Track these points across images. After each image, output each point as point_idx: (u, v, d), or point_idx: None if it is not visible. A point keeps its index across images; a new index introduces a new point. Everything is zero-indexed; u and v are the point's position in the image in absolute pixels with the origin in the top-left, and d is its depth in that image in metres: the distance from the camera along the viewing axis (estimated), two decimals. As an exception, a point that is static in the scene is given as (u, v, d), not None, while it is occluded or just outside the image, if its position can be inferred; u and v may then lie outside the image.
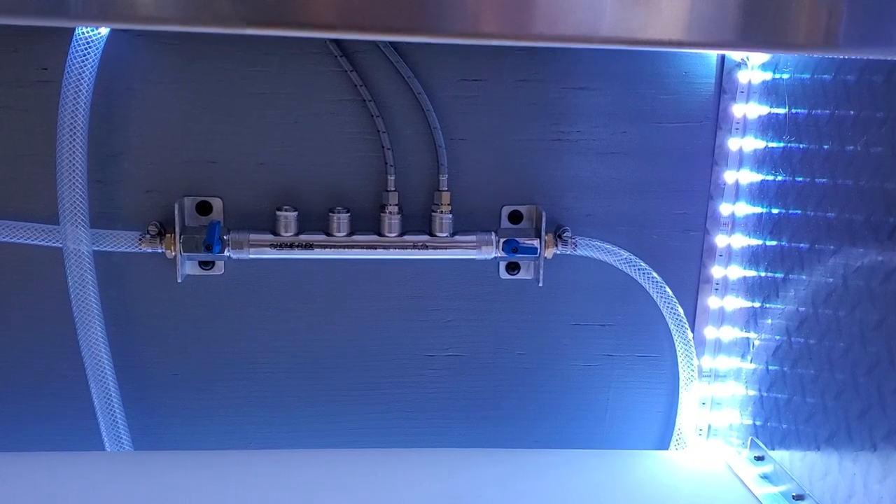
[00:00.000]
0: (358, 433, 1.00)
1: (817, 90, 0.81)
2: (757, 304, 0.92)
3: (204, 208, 0.91)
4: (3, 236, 0.88)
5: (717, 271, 0.98)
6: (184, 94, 0.89)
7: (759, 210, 0.92)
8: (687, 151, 0.95)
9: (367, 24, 0.49)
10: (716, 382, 1.00)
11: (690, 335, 0.98)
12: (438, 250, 0.91)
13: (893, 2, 0.51)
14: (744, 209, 0.95)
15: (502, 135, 0.92)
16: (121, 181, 0.90)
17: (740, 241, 0.96)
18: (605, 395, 1.01)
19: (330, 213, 0.90)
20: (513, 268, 0.97)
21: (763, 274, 0.91)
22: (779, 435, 0.87)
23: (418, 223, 0.92)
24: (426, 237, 0.91)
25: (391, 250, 0.91)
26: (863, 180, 0.73)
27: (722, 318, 0.99)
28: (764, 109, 0.91)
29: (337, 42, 0.87)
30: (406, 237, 0.91)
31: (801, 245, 0.83)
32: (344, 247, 0.90)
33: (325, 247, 0.90)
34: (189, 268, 0.93)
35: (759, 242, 0.92)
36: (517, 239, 0.92)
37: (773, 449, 0.88)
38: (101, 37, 0.82)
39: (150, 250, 0.89)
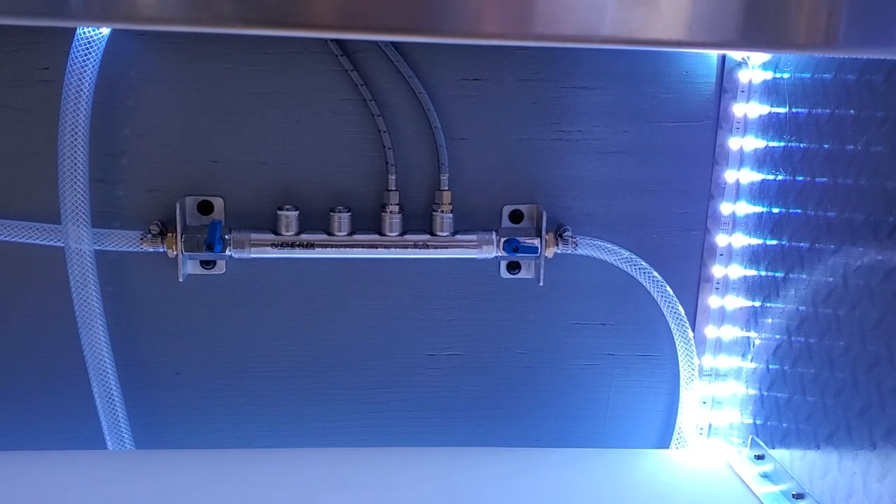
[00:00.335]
0: (359, 432, 1.00)
1: (818, 89, 0.81)
2: (757, 304, 0.92)
3: (205, 207, 0.92)
4: (5, 236, 0.89)
5: (717, 270, 0.98)
6: (185, 94, 0.89)
7: (759, 209, 0.92)
8: (688, 151, 0.95)
9: (368, 25, 0.49)
10: (716, 381, 1.00)
11: (691, 334, 0.98)
12: (439, 249, 0.92)
13: (893, 2, 0.51)
14: (744, 208, 0.95)
15: (503, 134, 0.93)
16: (122, 181, 0.90)
17: (741, 240, 0.96)
18: (605, 395, 1.01)
19: (331, 213, 0.90)
20: (514, 267, 0.97)
21: (763, 273, 0.91)
22: (779, 434, 0.87)
23: (419, 222, 0.92)
24: (427, 236, 0.91)
25: (392, 250, 0.91)
26: (863, 179, 0.73)
27: (722, 317, 0.99)
28: (764, 109, 0.91)
29: (338, 41, 0.87)
30: (407, 236, 0.91)
31: (802, 244, 0.83)
32: (345, 246, 0.90)
33: (326, 246, 0.90)
34: (190, 267, 0.93)
35: (760, 242, 0.92)
36: (518, 238, 0.92)
37: (774, 448, 0.88)
38: (102, 36, 0.82)
39: (151, 250, 0.89)
